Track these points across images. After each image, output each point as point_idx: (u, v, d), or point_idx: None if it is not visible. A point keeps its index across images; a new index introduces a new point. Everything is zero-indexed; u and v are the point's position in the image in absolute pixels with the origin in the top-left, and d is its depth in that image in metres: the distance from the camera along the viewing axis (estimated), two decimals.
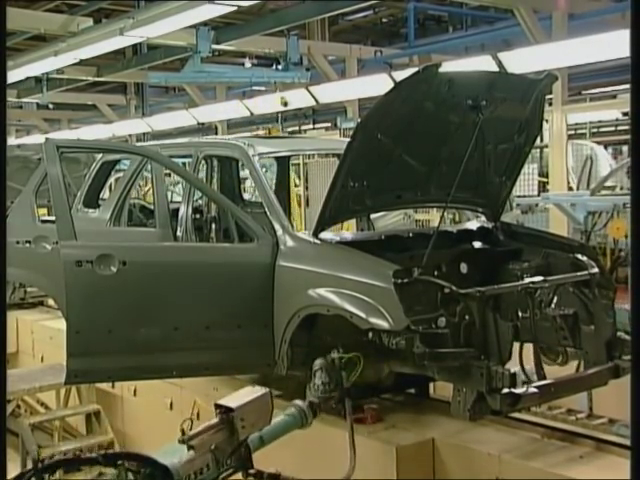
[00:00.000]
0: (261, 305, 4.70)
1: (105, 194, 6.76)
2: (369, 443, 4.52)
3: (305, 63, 13.61)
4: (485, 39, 14.56)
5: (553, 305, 4.60)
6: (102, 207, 6.12)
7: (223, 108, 16.49)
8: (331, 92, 13.63)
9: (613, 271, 8.19)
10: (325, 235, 4.74)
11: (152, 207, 6.19)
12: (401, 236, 5.18)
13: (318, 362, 4.32)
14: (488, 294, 4.13)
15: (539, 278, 4.44)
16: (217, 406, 3.69)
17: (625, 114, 15.34)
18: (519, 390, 3.90)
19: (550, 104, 10.34)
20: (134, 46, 15.04)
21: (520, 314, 4.45)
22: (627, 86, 11.33)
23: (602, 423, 5.79)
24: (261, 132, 16.71)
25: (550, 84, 4.96)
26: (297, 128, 19.87)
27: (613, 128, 16.92)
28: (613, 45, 8.65)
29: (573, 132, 15.14)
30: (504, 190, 5.29)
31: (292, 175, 10.24)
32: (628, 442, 3.67)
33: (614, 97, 15.12)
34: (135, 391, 6.73)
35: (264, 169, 5.76)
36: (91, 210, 6.15)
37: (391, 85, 4.92)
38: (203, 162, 6.02)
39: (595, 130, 16.81)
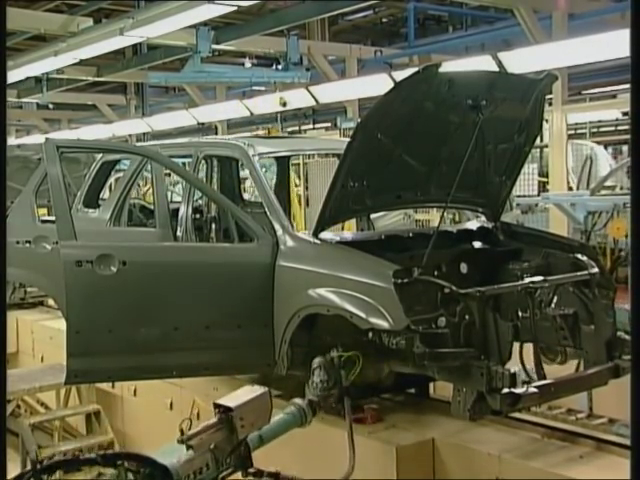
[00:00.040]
0: (261, 305, 4.70)
1: (105, 194, 6.76)
2: (369, 443, 4.52)
3: (305, 63, 13.60)
4: (485, 39, 14.57)
5: (553, 305, 4.60)
6: (102, 207, 6.12)
7: (223, 108, 16.48)
8: (331, 92, 13.63)
9: (613, 271, 8.19)
10: (325, 235, 4.74)
11: (152, 207, 6.19)
12: (401, 236, 5.18)
13: (317, 360, 4.32)
14: (488, 294, 4.13)
15: (539, 278, 4.44)
16: (216, 405, 3.69)
17: (625, 114, 15.34)
18: (519, 390, 3.89)
19: (550, 104, 10.34)
20: (134, 46, 15.05)
21: (520, 314, 4.45)
22: (627, 86, 11.33)
23: (602, 423, 5.79)
24: (261, 132, 16.71)
25: (550, 84, 4.96)
26: (297, 128, 19.87)
27: (613, 128, 16.93)
28: (613, 45, 8.65)
29: (573, 132, 15.15)
30: (504, 190, 5.29)
31: (292, 175, 10.23)
32: (628, 442, 3.67)
33: (614, 97, 15.12)
34: (135, 391, 6.73)
35: (263, 169, 5.76)
36: (91, 210, 6.15)
37: (391, 85, 4.91)
38: (203, 162, 6.02)
39: (595, 130, 16.82)
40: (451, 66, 7.85)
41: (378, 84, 11.22)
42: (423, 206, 7.38)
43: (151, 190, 6.63)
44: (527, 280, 4.45)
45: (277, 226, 4.81)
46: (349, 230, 7.36)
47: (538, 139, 6.59)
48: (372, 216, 6.42)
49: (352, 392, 4.34)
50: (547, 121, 10.66)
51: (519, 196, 11.19)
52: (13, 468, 3.15)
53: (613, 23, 10.47)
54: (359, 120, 6.75)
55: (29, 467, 3.29)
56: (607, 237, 8.94)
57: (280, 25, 12.20)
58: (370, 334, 4.20)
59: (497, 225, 5.34)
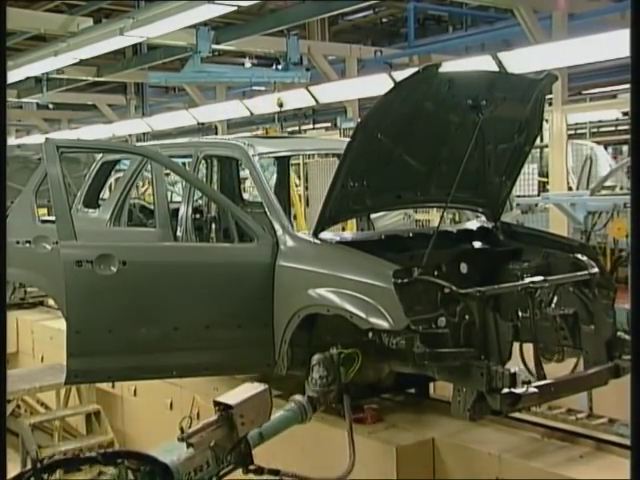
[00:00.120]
0: (261, 305, 4.70)
1: (105, 194, 6.76)
2: (369, 443, 4.52)
3: (305, 63, 13.60)
4: (485, 39, 14.56)
5: (553, 305, 4.60)
6: (102, 207, 6.11)
7: (223, 108, 16.49)
8: (331, 92, 13.63)
9: (614, 271, 8.19)
10: (325, 235, 4.74)
11: (152, 207, 6.19)
12: (401, 236, 5.18)
13: (316, 357, 4.32)
14: (488, 294, 4.13)
15: (539, 278, 4.44)
16: (216, 403, 3.69)
17: (625, 114, 15.34)
18: (519, 390, 3.89)
19: (550, 104, 10.34)
20: (134, 46, 15.05)
21: (520, 314, 4.45)
22: (627, 86, 11.33)
23: (602, 423, 5.80)
24: (260, 132, 16.71)
25: (550, 84, 4.96)
26: (297, 128, 19.87)
27: (613, 128, 16.93)
28: (613, 45, 8.65)
29: (573, 132, 15.14)
30: (504, 190, 5.29)
31: (292, 175, 10.24)
32: (628, 442, 3.67)
33: (614, 97, 15.12)
34: (135, 391, 6.73)
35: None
36: (91, 210, 6.15)
37: (391, 85, 4.91)
38: (203, 162, 6.02)
39: (595, 130, 16.81)
40: (451, 66, 7.85)
41: (378, 84, 11.23)
42: (423, 206, 7.38)
43: (150, 190, 6.62)
44: (527, 280, 4.45)
45: (277, 226, 4.81)
46: (350, 230, 7.37)
47: (538, 139, 6.59)
48: (372, 216, 6.42)
49: (352, 392, 4.34)
50: (547, 121, 10.66)
51: (519, 196, 11.20)
52: (13, 468, 3.14)
53: (613, 23, 10.48)
54: (359, 120, 6.75)
55: (29, 466, 3.28)
56: (607, 237, 8.94)
57: (280, 25, 12.20)
58: (370, 334, 4.20)
59: (497, 225, 5.34)
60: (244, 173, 7.10)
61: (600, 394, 5.77)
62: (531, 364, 4.33)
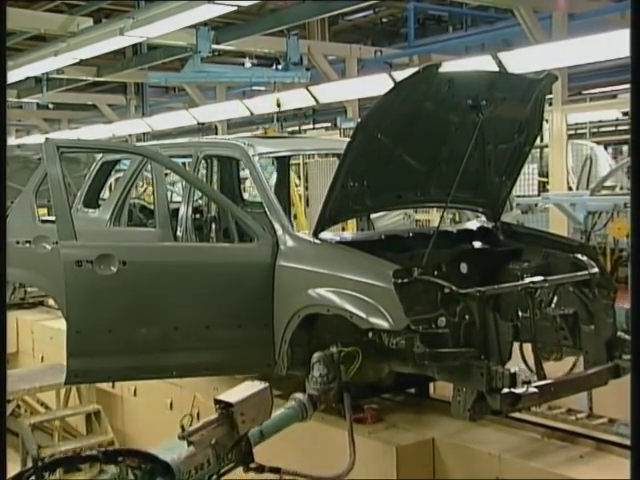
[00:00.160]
0: (261, 305, 4.70)
1: (105, 194, 6.76)
2: (369, 443, 4.52)
3: (305, 63, 13.60)
4: (485, 39, 14.57)
5: (553, 305, 4.60)
6: (102, 207, 6.11)
7: (223, 108, 16.49)
8: (331, 92, 13.63)
9: (614, 271, 8.19)
10: (325, 235, 4.74)
11: (152, 207, 6.19)
12: (401, 236, 5.18)
13: (317, 355, 4.31)
14: (488, 294, 4.13)
15: (539, 278, 4.43)
16: (217, 401, 3.69)
17: (625, 114, 15.34)
18: (519, 390, 3.89)
19: (550, 104, 10.34)
20: (134, 46, 15.05)
21: (520, 314, 4.45)
22: (627, 86, 11.33)
23: (602, 423, 5.80)
24: (260, 132, 16.71)
25: (550, 84, 4.96)
26: (297, 128, 19.87)
27: (613, 128, 16.93)
28: (613, 45, 8.65)
29: (573, 132, 15.15)
30: (504, 190, 5.29)
31: (292, 175, 10.24)
32: (628, 442, 3.67)
33: (614, 97, 15.12)
34: (135, 391, 6.73)
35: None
36: (91, 210, 6.15)
37: (391, 85, 4.91)
38: (203, 162, 6.02)
39: (595, 130, 16.82)
40: (451, 66, 7.85)
41: (378, 84, 11.23)
42: (423, 206, 7.38)
43: (149, 190, 6.62)
44: (527, 280, 4.45)
45: (277, 226, 4.81)
46: (350, 230, 7.37)
47: (538, 139, 6.59)
48: (372, 216, 6.42)
49: (352, 391, 4.34)
50: (547, 121, 10.66)
51: (519, 196, 11.20)
52: (13, 468, 3.14)
53: (613, 23, 10.47)
54: (359, 120, 6.75)
55: (30, 466, 3.28)
56: (607, 237, 8.95)
57: (280, 25, 12.20)
58: (370, 334, 4.20)
59: (497, 225, 5.34)
60: (244, 173, 7.10)
61: (600, 394, 5.77)
62: (531, 363, 4.33)
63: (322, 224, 4.67)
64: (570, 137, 12.22)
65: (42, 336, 8.42)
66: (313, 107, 16.94)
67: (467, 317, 4.06)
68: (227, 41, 12.78)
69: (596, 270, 4.62)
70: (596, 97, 15.87)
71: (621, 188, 10.60)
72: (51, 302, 8.50)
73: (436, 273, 4.62)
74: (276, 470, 3.82)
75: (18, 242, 5.78)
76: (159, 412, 6.20)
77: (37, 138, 19.67)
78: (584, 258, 4.75)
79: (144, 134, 18.72)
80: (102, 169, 6.39)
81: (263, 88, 16.37)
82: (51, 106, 20.59)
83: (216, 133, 18.34)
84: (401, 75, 9.96)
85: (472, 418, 4.11)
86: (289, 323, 4.60)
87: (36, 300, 9.20)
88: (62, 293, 4.84)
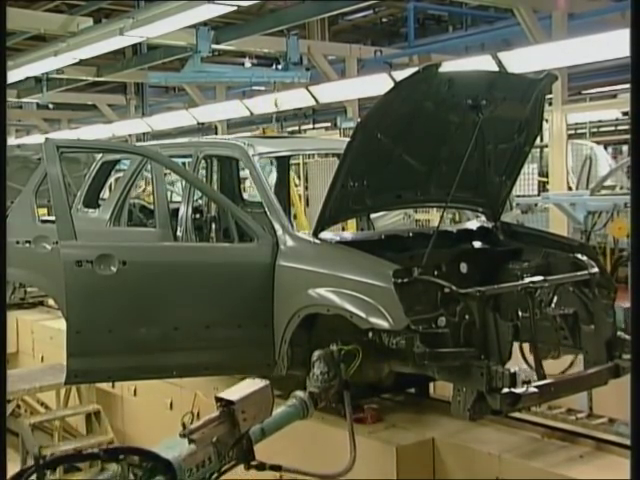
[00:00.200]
0: (261, 305, 4.70)
1: (105, 194, 6.76)
2: (369, 443, 4.52)
3: (305, 63, 13.60)
4: (485, 39, 14.56)
5: (553, 305, 4.60)
6: (102, 207, 6.11)
7: (223, 108, 16.48)
8: (331, 92, 13.63)
9: (614, 271, 8.19)
10: (325, 235, 4.74)
11: (152, 207, 6.19)
12: (401, 236, 5.17)
13: (317, 353, 4.32)
14: (488, 294, 4.13)
15: (539, 278, 4.44)
16: (218, 399, 3.69)
17: (625, 114, 15.34)
18: (519, 390, 3.89)
19: (550, 104, 10.34)
20: (134, 46, 15.04)
21: (520, 314, 4.45)
22: (627, 86, 11.33)
23: (602, 423, 5.80)
24: (259, 132, 16.71)
25: (550, 84, 4.96)
26: (297, 128, 19.87)
27: (613, 128, 16.93)
28: (613, 45, 8.65)
29: (573, 132, 15.15)
30: (504, 190, 5.29)
31: (292, 175, 10.25)
32: (628, 441, 3.67)
33: (614, 97, 15.12)
34: (135, 391, 6.73)
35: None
36: (91, 210, 6.15)
37: (391, 85, 4.91)
38: (203, 162, 6.02)
39: (595, 130, 16.82)
40: (451, 66, 7.85)
41: (378, 84, 11.22)
42: (423, 206, 7.39)
43: (147, 190, 6.62)
44: (527, 280, 4.45)
45: (277, 226, 4.81)
46: (350, 230, 7.37)
47: (538, 139, 6.59)
48: (372, 216, 6.42)
49: (352, 391, 4.34)
50: (547, 121, 10.66)
51: (519, 196, 11.20)
52: (13, 468, 3.14)
53: (613, 23, 10.46)
54: (359, 120, 6.75)
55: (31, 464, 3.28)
56: (607, 237, 8.95)
57: (280, 25, 12.20)
58: (370, 334, 4.20)
59: (497, 225, 5.34)
60: (244, 173, 7.10)
61: (600, 394, 5.77)
62: (531, 362, 4.33)
63: (322, 224, 4.67)
64: (570, 137, 12.22)
65: (42, 336, 8.42)
66: (313, 107, 16.94)
67: (467, 317, 4.06)
68: (227, 41, 12.78)
69: (596, 270, 4.62)
70: (596, 97, 15.87)
71: (621, 188, 10.60)
72: (51, 302, 8.49)
73: (436, 273, 4.62)
74: (277, 468, 3.82)
75: (18, 242, 5.78)
76: (159, 412, 6.20)
77: (37, 138, 19.68)
78: (584, 258, 4.75)
79: (144, 134, 18.71)
80: (102, 169, 6.39)
81: (263, 88, 16.36)
82: (51, 106, 20.59)
83: (216, 133, 18.33)
84: (401, 75, 9.95)
85: (472, 418, 4.11)
86: (289, 323, 4.60)
87: (36, 300, 9.20)
88: (62, 293, 4.84)
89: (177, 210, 5.54)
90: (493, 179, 5.12)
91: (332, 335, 4.51)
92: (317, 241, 4.66)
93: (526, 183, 12.04)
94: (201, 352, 4.81)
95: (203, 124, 18.29)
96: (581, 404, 6.17)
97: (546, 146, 12.03)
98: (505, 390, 3.88)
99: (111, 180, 7.08)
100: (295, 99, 13.98)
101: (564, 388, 4.40)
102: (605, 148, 14.77)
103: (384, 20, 19.15)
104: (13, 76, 14.04)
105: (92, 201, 6.28)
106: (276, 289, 4.69)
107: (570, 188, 11.39)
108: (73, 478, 3.45)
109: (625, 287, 5.51)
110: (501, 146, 4.98)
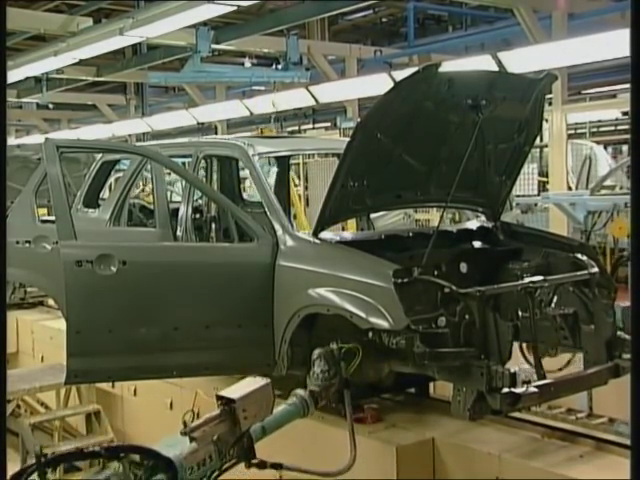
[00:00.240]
0: (261, 305, 4.70)
1: (105, 194, 6.76)
2: (369, 443, 4.52)
3: (305, 63, 13.60)
4: (485, 39, 14.56)
5: (553, 305, 4.60)
6: (102, 207, 6.11)
7: (223, 108, 16.48)
8: (331, 92, 13.63)
9: (614, 271, 8.19)
10: (325, 235, 4.74)
11: (152, 207, 6.19)
12: (401, 236, 5.18)
13: (317, 351, 4.31)
14: (488, 294, 4.13)
15: (539, 278, 4.43)
16: (219, 397, 3.69)
17: (625, 114, 15.35)
18: (519, 390, 3.89)
19: (550, 104, 10.34)
20: (134, 46, 15.05)
21: (520, 314, 4.45)
22: (627, 86, 11.34)
23: (602, 422, 5.80)
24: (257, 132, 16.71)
25: (550, 84, 4.97)
26: (297, 128, 19.87)
27: (613, 128, 16.94)
28: (613, 45, 8.65)
29: (573, 132, 15.15)
30: (504, 190, 5.29)
31: (292, 175, 10.24)
32: (628, 441, 3.67)
33: (614, 97, 15.12)
34: (135, 391, 6.73)
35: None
36: (91, 210, 6.15)
37: (391, 85, 4.91)
38: (203, 162, 6.02)
39: (595, 130, 16.82)
40: (451, 66, 7.86)
41: (378, 84, 11.23)
42: (423, 206, 7.39)
43: (146, 190, 6.62)
44: (527, 280, 4.44)
45: (277, 226, 4.81)
46: (350, 230, 7.37)
47: (538, 139, 6.59)
48: (372, 216, 6.42)
49: (352, 391, 4.34)
50: (547, 121, 10.66)
51: (519, 196, 11.20)
52: (13, 468, 3.14)
53: (613, 23, 10.47)
54: (359, 120, 6.75)
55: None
56: (607, 237, 8.95)
57: (280, 25, 12.20)
58: (370, 334, 4.20)
59: (497, 225, 5.34)
60: (244, 173, 7.10)
61: (600, 394, 5.77)
62: (531, 361, 4.33)
63: (322, 224, 4.67)
64: (570, 137, 12.22)
65: (42, 336, 8.42)
66: (313, 107, 16.94)
67: (467, 317, 4.06)
68: (227, 41, 12.78)
69: (596, 270, 4.62)
70: (596, 97, 15.88)
71: (621, 188, 10.60)
72: (51, 302, 8.49)
73: (436, 273, 4.62)
74: (278, 466, 3.82)
75: (18, 242, 5.78)
76: (159, 412, 6.20)
77: (37, 138, 19.69)
78: (584, 258, 4.75)
79: (144, 134, 18.72)
80: (102, 169, 6.39)
81: (263, 88, 16.37)
82: (51, 106, 20.59)
83: (216, 133, 18.34)
84: (401, 75, 9.94)
85: (472, 418, 4.11)
86: (289, 323, 4.60)
87: (36, 300, 9.20)
88: (62, 293, 4.84)
89: (177, 210, 5.54)
90: (493, 179, 5.12)
91: (332, 335, 4.50)
92: (317, 241, 4.66)
93: (526, 183, 12.05)
94: (201, 352, 4.81)
95: (203, 124, 18.29)
96: (581, 404, 6.17)
97: (546, 146, 12.03)
98: (505, 390, 3.88)
99: (111, 180, 7.08)
100: (295, 99, 13.98)
101: (564, 388, 4.40)
102: (605, 148, 14.78)
103: (384, 20, 19.16)
104: (13, 76, 14.04)
105: (92, 201, 6.28)
106: (276, 289, 4.69)
107: (570, 188, 11.39)
108: (73, 478, 3.44)
109: (625, 287, 5.51)
110: (501, 146, 4.98)
